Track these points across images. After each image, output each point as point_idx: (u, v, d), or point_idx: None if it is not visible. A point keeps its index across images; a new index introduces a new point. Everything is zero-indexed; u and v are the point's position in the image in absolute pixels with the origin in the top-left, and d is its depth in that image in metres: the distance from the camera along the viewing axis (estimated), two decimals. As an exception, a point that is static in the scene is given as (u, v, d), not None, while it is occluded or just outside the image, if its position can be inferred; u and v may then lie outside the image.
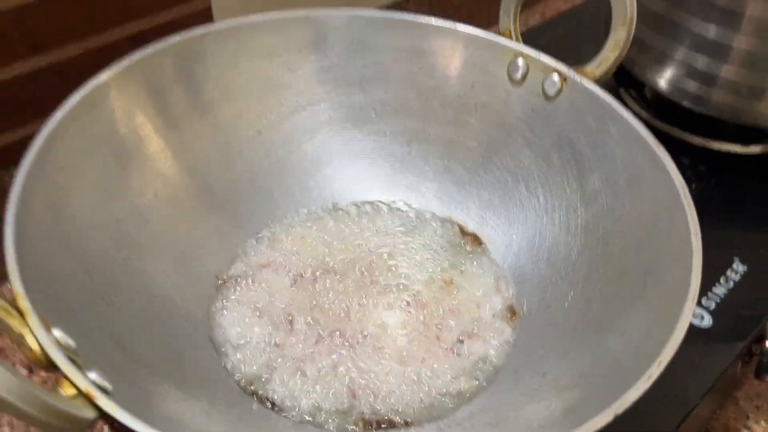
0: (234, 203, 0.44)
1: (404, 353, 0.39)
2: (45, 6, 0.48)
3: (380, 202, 0.47)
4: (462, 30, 0.45)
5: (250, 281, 0.42)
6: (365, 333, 0.39)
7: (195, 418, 0.31)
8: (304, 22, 0.44)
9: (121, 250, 0.37)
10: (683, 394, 0.41)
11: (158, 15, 0.54)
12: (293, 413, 0.36)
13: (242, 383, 0.37)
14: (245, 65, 0.44)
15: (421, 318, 0.41)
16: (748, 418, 0.47)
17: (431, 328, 0.40)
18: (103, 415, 0.25)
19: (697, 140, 0.60)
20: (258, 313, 0.40)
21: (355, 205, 0.47)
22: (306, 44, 0.45)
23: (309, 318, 0.40)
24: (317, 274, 0.43)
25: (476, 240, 0.46)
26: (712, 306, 0.46)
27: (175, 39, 0.41)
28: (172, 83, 0.42)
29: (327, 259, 0.44)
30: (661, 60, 0.57)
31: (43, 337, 0.26)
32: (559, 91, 0.42)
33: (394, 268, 0.43)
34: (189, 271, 0.40)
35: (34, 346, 0.26)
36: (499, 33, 0.45)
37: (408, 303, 0.42)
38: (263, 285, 0.42)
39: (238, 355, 0.38)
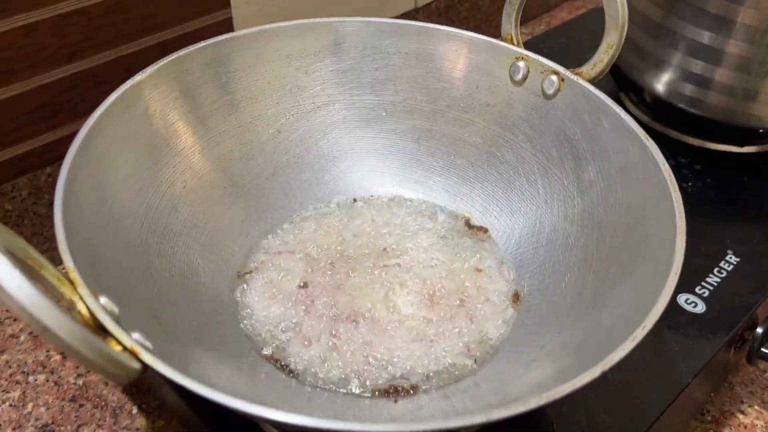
0: (256, 196, 0.47)
1: (413, 331, 0.41)
2: (80, 17, 0.52)
3: (391, 195, 0.51)
4: (467, 35, 0.48)
5: (270, 266, 0.45)
6: (377, 312, 0.42)
7: (222, 378, 0.34)
8: (320, 28, 0.48)
9: (155, 235, 0.40)
10: (676, 375, 0.43)
11: (184, 25, 0.58)
12: (309, 379, 0.39)
13: (263, 352, 0.40)
14: (266, 68, 0.47)
15: (430, 299, 0.43)
16: (742, 402, 0.49)
17: (439, 309, 0.43)
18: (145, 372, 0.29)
19: (695, 141, 0.62)
20: (277, 295, 0.43)
21: (368, 198, 0.50)
22: (322, 49, 0.48)
23: (324, 299, 0.43)
24: (332, 260, 0.46)
25: (481, 229, 0.48)
26: (706, 294, 0.49)
27: (202, 44, 0.45)
28: (199, 85, 0.45)
29: (341, 246, 0.47)
30: (658, 65, 0.60)
31: (92, 303, 0.29)
32: (557, 91, 0.45)
33: (404, 255, 0.46)
34: (215, 255, 0.43)
35: (84, 311, 0.30)
36: (500, 37, 0.48)
37: (417, 286, 0.44)
38: (282, 269, 0.45)
39: (260, 330, 0.41)
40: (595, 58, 0.45)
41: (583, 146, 0.43)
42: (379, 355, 0.40)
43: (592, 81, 0.45)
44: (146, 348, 0.29)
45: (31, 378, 0.47)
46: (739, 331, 0.47)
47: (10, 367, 0.48)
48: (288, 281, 0.44)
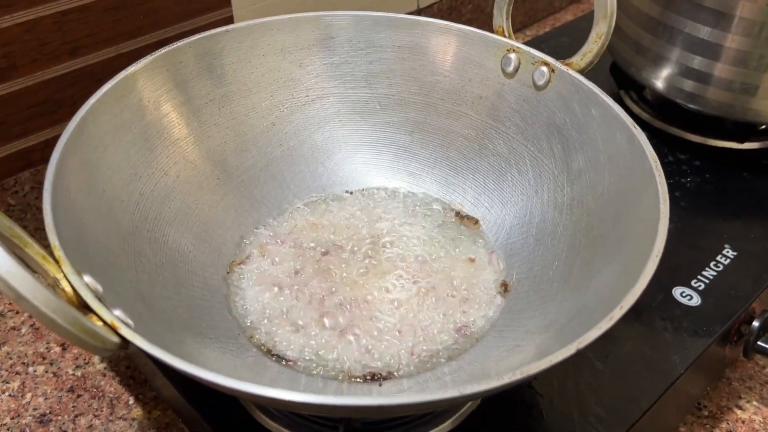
0: (249, 187, 0.48)
1: (402, 318, 0.42)
2: (82, 14, 0.53)
3: (384, 187, 0.51)
4: (459, 28, 0.48)
5: (261, 255, 0.45)
6: (366, 299, 0.42)
7: (207, 360, 0.35)
8: (314, 22, 0.48)
9: (147, 222, 0.40)
10: (668, 367, 0.43)
11: (185, 23, 0.59)
12: (296, 364, 0.39)
13: (252, 338, 0.41)
14: (259, 61, 0.48)
15: (420, 288, 0.44)
16: (740, 398, 0.49)
17: (428, 297, 0.43)
18: (126, 347, 0.29)
19: (696, 138, 0.62)
20: (268, 282, 0.44)
21: (361, 190, 0.51)
22: (316, 42, 0.49)
23: (314, 287, 0.43)
24: (324, 249, 0.46)
25: (471, 220, 0.49)
26: (702, 287, 0.48)
27: (196, 37, 0.45)
28: (193, 77, 0.46)
29: (333, 236, 0.47)
30: (657, 61, 0.60)
31: (75, 280, 0.30)
32: (548, 82, 0.46)
33: (395, 245, 0.46)
34: (207, 244, 0.44)
35: (68, 289, 0.30)
36: (493, 31, 0.49)
37: (408, 275, 0.45)
38: (274, 258, 0.45)
39: (249, 317, 0.41)
40: (585, 48, 0.45)
41: (572, 135, 0.44)
42: (366, 341, 0.40)
43: (582, 71, 0.45)
44: (126, 324, 0.29)
45: (30, 369, 0.48)
46: (734, 325, 0.47)
47: (10, 358, 0.49)
48: (279, 269, 0.44)
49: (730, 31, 0.55)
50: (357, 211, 0.49)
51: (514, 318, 0.40)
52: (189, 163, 0.45)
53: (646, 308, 0.47)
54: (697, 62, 0.57)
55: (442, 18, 0.80)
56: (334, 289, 0.43)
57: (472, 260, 0.46)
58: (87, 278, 0.31)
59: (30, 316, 0.51)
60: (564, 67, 0.45)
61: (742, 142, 0.61)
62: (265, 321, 0.41)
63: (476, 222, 0.48)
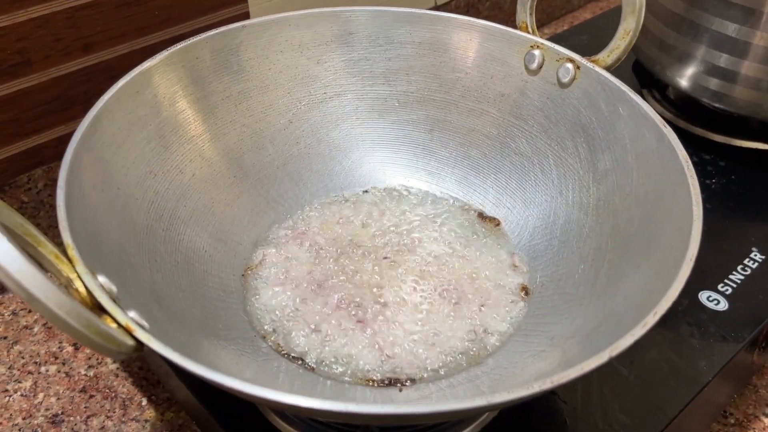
0: (266, 186, 0.47)
1: (421, 321, 0.41)
2: (95, 9, 0.52)
3: (403, 186, 0.50)
4: (481, 24, 0.47)
5: (278, 254, 0.44)
6: (385, 300, 0.41)
7: (223, 363, 0.34)
8: (332, 17, 0.47)
9: (162, 221, 0.40)
10: (695, 374, 0.42)
11: (200, 19, 0.58)
12: (313, 367, 0.38)
13: (268, 340, 0.40)
14: (277, 57, 0.47)
15: (439, 290, 0.43)
16: (767, 405, 0.48)
17: (448, 299, 0.42)
18: (141, 350, 0.28)
19: (720, 138, 0.61)
20: (284, 282, 0.43)
21: (379, 189, 0.50)
22: (334, 38, 0.48)
23: (331, 288, 0.42)
24: (341, 250, 0.45)
25: (493, 221, 0.48)
26: (729, 291, 0.47)
27: (213, 32, 0.45)
28: (210, 73, 0.45)
29: (350, 237, 0.46)
30: (681, 59, 0.59)
31: (88, 280, 0.29)
32: (573, 79, 0.44)
33: (414, 246, 0.45)
34: (223, 243, 0.43)
35: (81, 289, 0.29)
36: (516, 27, 0.48)
37: (426, 276, 0.43)
38: (291, 258, 0.44)
39: (265, 317, 0.41)
40: (612, 44, 0.44)
41: (599, 134, 0.42)
42: (385, 344, 0.39)
43: (608, 68, 0.44)
44: (142, 326, 0.28)
45: (43, 368, 0.48)
46: (763, 330, 0.46)
47: (22, 358, 0.48)
48: (296, 270, 0.43)
49: (759, 29, 0.53)
50: (374, 210, 0.48)
51: (539, 323, 0.39)
52: (205, 160, 0.44)
53: (671, 313, 0.45)
54: (723, 60, 0.56)
55: (459, 15, 0.79)
56: (352, 290, 0.42)
57: (494, 262, 0.44)
58: (101, 278, 0.30)
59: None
60: (590, 64, 0.43)
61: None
62: (282, 322, 0.40)
63: (498, 223, 0.47)
